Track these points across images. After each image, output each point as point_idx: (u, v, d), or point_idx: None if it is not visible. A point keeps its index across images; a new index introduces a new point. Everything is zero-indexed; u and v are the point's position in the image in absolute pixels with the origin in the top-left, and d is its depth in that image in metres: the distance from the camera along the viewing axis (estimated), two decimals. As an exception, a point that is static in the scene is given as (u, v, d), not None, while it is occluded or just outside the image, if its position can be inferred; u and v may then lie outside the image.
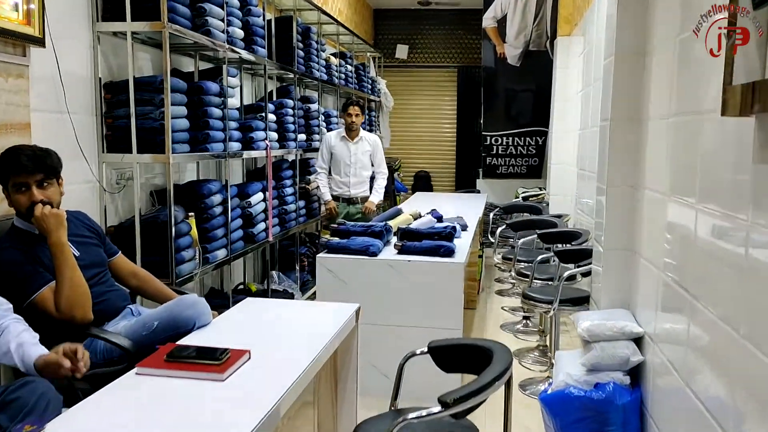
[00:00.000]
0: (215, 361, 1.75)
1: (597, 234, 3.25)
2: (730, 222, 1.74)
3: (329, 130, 5.89)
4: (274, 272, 4.83)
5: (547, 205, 6.29)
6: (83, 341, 2.16)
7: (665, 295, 2.48)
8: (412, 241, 3.56)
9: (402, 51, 9.50)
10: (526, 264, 4.36)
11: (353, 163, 5.26)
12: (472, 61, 9.21)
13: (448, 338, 2.03)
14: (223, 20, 3.55)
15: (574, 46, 6.12)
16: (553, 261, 3.96)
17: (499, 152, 7.83)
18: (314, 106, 5.39)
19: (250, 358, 1.85)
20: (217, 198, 3.56)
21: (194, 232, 3.30)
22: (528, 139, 7.70)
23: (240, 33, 3.82)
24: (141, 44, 3.36)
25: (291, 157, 4.96)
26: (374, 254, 3.42)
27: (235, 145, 3.79)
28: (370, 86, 7.69)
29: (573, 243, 3.96)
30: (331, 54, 6.33)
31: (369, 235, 3.63)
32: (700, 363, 2.01)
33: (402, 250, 3.49)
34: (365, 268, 3.40)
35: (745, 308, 1.61)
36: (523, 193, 7.20)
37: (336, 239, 3.59)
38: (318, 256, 3.48)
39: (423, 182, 9.57)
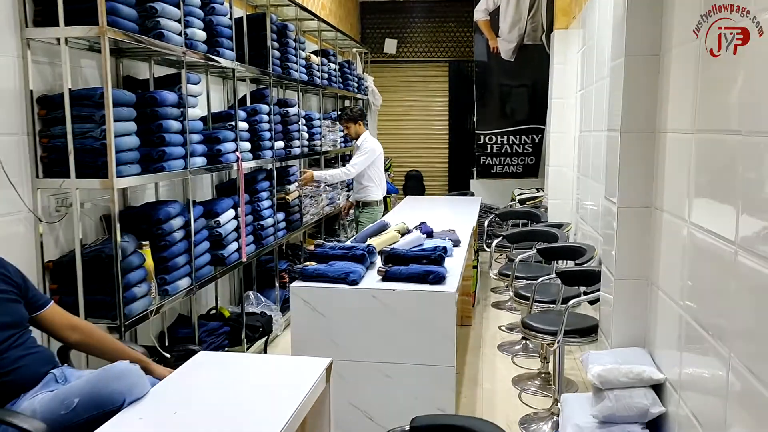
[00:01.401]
0: (134, 468, 1.37)
1: (606, 249, 2.87)
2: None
3: (311, 135, 5.53)
4: (250, 292, 4.44)
5: (546, 210, 5.91)
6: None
7: (688, 335, 2.12)
8: (398, 265, 3.18)
9: (390, 45, 9.08)
10: (525, 282, 3.99)
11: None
12: (464, 55, 8.81)
13: (436, 415, 1.66)
14: (180, 21, 3.15)
15: (572, 40, 5.74)
16: (554, 279, 3.59)
17: (494, 151, 7.46)
18: (293, 110, 4.98)
19: (183, 455, 1.47)
20: (177, 222, 3.17)
21: (149, 263, 2.90)
22: (524, 137, 7.33)
23: (202, 35, 3.42)
24: (87, 51, 2.96)
25: (269, 167, 4.56)
26: (354, 282, 3.04)
27: (199, 160, 3.39)
28: (356, 84, 7.28)
29: (576, 261, 3.59)
30: (312, 52, 5.92)
31: (350, 259, 3.24)
32: (729, 418, 1.69)
33: (387, 276, 3.10)
34: (345, 298, 3.02)
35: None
36: (519, 195, 6.82)
37: (313, 265, 3.20)
38: (291, 285, 3.09)
39: (415, 182, 9.17)
